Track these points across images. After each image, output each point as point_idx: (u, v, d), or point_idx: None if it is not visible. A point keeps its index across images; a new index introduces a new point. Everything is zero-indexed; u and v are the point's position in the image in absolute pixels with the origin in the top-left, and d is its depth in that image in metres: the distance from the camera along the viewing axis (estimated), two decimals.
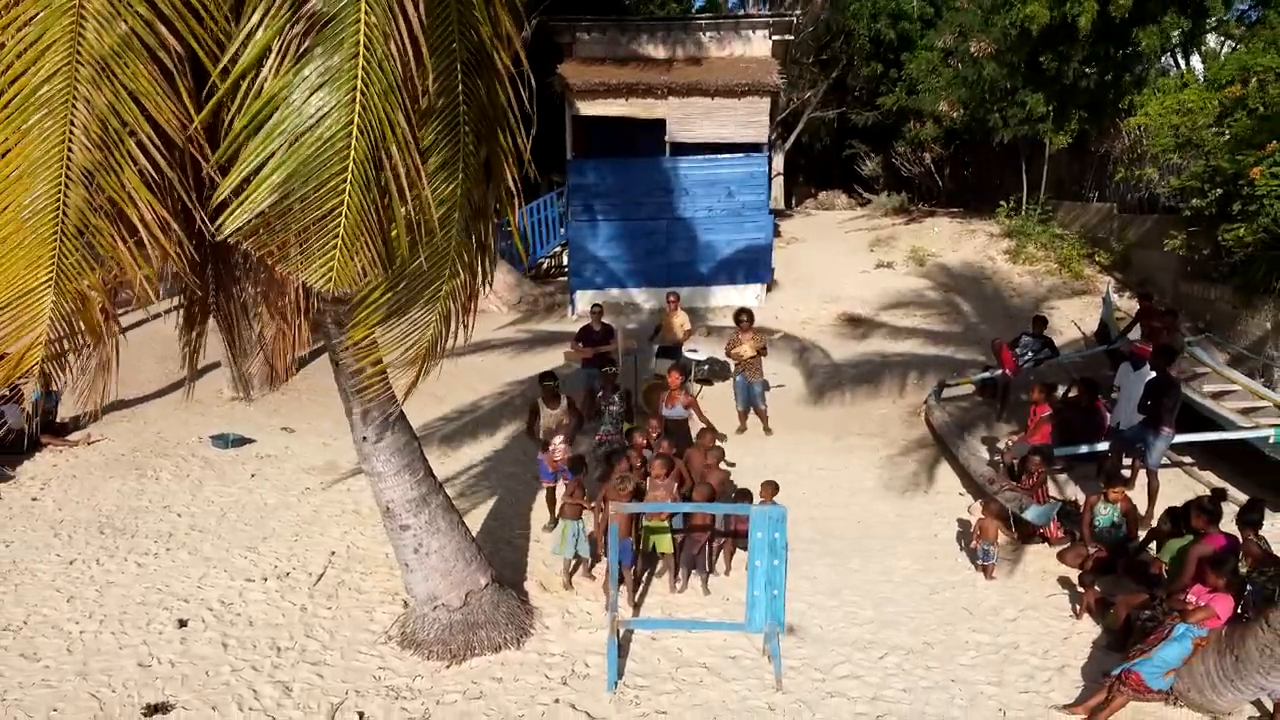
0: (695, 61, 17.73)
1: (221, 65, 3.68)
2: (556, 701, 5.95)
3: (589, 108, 16.72)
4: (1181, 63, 17.50)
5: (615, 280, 17.40)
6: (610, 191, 17.25)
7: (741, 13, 24.39)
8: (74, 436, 11.56)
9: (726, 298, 17.11)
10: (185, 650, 6.63)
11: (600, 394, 10.00)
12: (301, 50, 3.37)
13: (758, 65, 17.35)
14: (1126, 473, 9.52)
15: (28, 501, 9.59)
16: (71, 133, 3.87)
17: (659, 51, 18.05)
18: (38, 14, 3.81)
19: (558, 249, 19.49)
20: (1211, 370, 11.06)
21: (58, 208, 3.96)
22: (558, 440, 8.22)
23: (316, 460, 10.58)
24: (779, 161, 29.42)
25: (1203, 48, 17.19)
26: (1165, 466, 9.52)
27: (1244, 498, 7.68)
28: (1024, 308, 15.33)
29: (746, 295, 17.00)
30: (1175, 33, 15.75)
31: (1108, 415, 9.81)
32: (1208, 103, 13.56)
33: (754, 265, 17.29)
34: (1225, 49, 17.10)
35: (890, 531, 8.74)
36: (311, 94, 3.40)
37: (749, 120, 16.83)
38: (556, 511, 8.20)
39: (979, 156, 23.57)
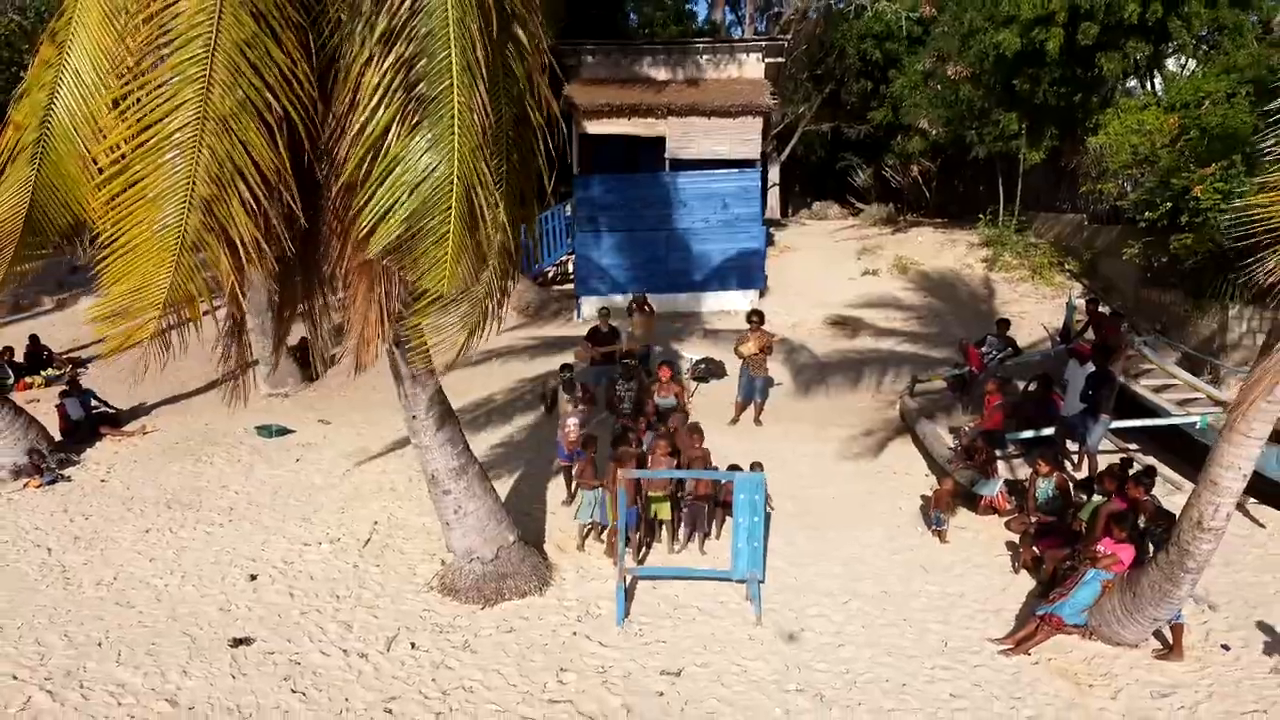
0: (693, 83, 19.01)
1: (326, 130, 4.92)
2: (574, 634, 7.16)
3: (594, 126, 17.98)
4: (1146, 84, 18.71)
5: (618, 287, 18.59)
6: (614, 204, 18.49)
7: (737, 37, 25.66)
8: (130, 427, 12.79)
9: (721, 303, 18.35)
10: (258, 598, 7.84)
11: (619, 385, 11.21)
12: (415, 123, 4.63)
13: (751, 87, 18.62)
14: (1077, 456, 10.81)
15: (97, 483, 10.82)
16: (196, 171, 5.12)
17: (659, 73, 19.33)
18: (172, 79, 5.07)
19: (564, 258, 20.70)
20: (1157, 366, 12.27)
21: (181, 226, 5.19)
22: (571, 422, 9.44)
23: (352, 447, 11.78)
24: (775, 173, 30.71)
25: (1163, 70, 18.41)
26: (1109, 452, 10.78)
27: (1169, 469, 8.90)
28: (997, 312, 16.53)
29: (740, 300, 18.22)
30: (1137, 56, 17.00)
31: (1062, 406, 11.05)
32: (1163, 123, 14.81)
33: (747, 272, 18.53)
34: (1186, 71, 18.31)
35: (862, 506, 9.94)
36: (423, 154, 4.65)
37: (743, 138, 18.09)
38: (573, 486, 9.37)
39: (962, 170, 24.84)
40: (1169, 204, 13.84)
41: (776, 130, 29.47)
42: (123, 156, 5.24)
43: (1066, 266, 18.14)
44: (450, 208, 4.73)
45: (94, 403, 12.73)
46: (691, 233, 18.58)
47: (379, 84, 4.65)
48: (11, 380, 14.81)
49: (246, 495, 10.26)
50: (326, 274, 6.20)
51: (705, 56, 19.39)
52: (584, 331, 14.07)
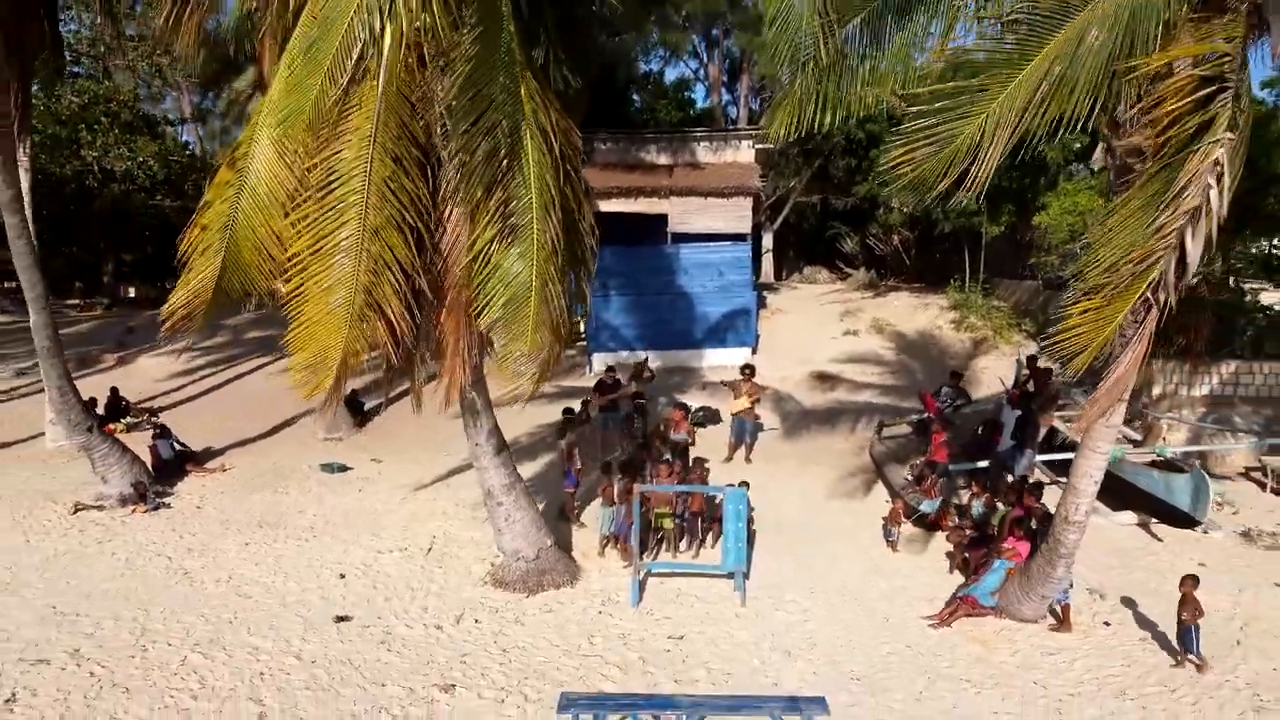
0: (692, 166, 21.70)
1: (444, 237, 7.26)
2: (600, 613, 9.22)
3: (606, 205, 20.42)
4: (1087, 167, 21.31)
5: (626, 344, 20.90)
6: (622, 272, 20.92)
7: (730, 125, 28.53)
8: (211, 464, 14.92)
9: (718, 359, 20.62)
10: (348, 590, 9.89)
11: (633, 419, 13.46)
12: (509, 240, 6.96)
13: (743, 170, 21.26)
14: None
15: (194, 508, 12.91)
16: (360, 267, 7.39)
17: (662, 158, 22.05)
18: (340, 205, 7.39)
19: (578, 318, 23.05)
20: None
21: (349, 306, 7.42)
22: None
23: (405, 480, 13.89)
24: (769, 239, 33.34)
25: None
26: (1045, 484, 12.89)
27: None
28: (960, 367, 18.76)
29: (735, 357, 20.47)
30: (1075, 146, 19.61)
31: (1001, 443, 13.21)
32: (1094, 203, 17.30)
33: (740, 331, 20.88)
34: None
35: (833, 526, 12.00)
36: (514, 262, 6.97)
37: (736, 216, 20.65)
38: (600, 500, 11.40)
39: (937, 240, 27.41)
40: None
41: (770, 201, 32.13)
42: (292, 257, 7.53)
43: (1024, 327, 20.45)
44: (531, 298, 7.04)
45: (177, 446, 14.89)
46: (691, 297, 20.98)
47: (485, 214, 6.99)
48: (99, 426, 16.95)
49: (322, 517, 12.35)
50: (431, 334, 8.41)
51: (702, 143, 22.12)
52: (593, 383, 16.36)
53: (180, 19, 8.71)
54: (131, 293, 34.43)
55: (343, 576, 10.25)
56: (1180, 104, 6.36)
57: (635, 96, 34.65)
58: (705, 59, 35.92)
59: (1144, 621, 9.21)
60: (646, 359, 16.84)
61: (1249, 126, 7.49)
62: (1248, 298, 19.65)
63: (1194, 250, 7.19)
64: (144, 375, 21.62)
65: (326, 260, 7.33)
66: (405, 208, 7.42)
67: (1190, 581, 8.13)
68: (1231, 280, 20.18)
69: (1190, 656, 8.09)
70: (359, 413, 17.30)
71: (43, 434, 16.62)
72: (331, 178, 7.35)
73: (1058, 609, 9.10)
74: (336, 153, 7.34)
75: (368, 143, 7.28)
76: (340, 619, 9.15)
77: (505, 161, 6.92)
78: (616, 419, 14.85)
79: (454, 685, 7.80)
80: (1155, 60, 6.31)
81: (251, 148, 7.89)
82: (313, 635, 8.81)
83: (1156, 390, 16.07)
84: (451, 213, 7.77)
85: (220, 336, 25.30)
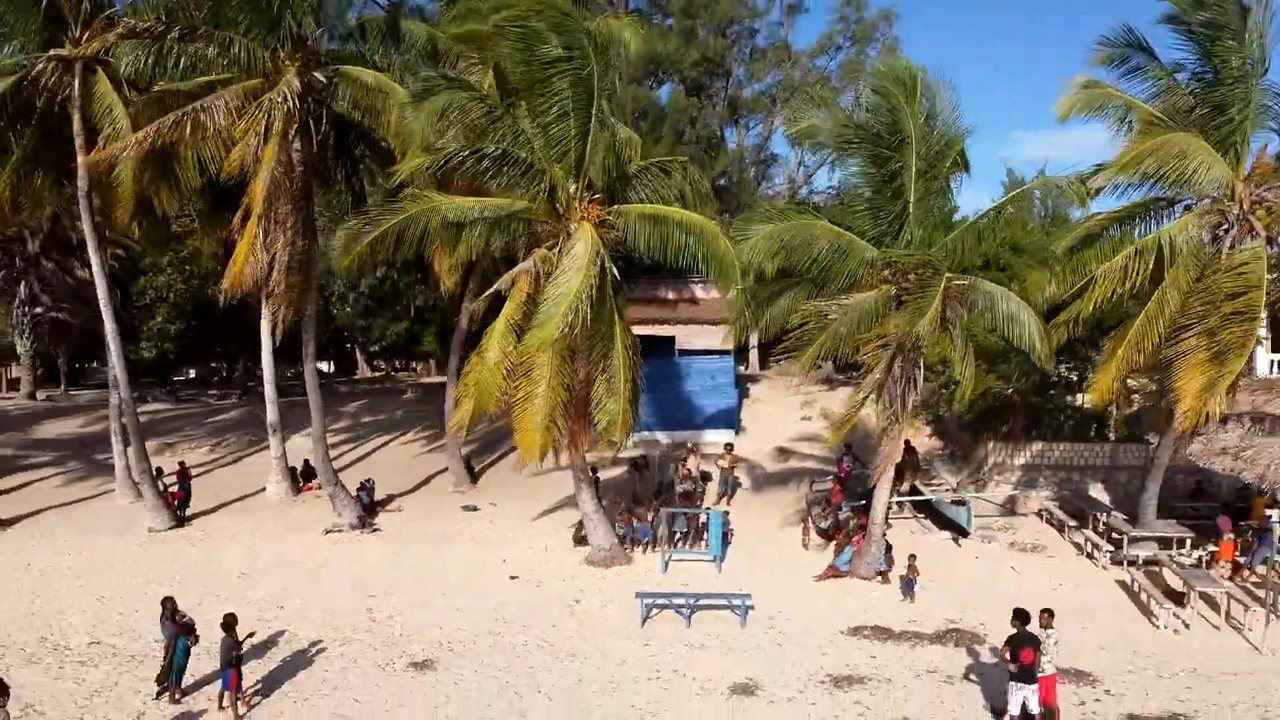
0: (691, 302, 30.90)
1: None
2: (645, 574, 17.88)
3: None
4: None
5: (646, 427, 29.53)
6: (644, 376, 29.86)
7: None
8: (390, 507, 23.62)
9: (710, 437, 29.39)
10: (509, 565, 18.53)
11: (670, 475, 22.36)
12: (612, 391, 15.92)
13: (730, 304, 30.43)
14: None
15: (394, 533, 21.55)
16: (545, 403, 16.34)
17: (670, 294, 31.27)
18: (537, 376, 16.40)
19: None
20: (937, 474, 23.26)
21: (541, 424, 16.33)
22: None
23: (517, 515, 22.57)
24: (754, 337, 42.48)
25: None
26: (906, 518, 21.60)
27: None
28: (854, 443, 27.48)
29: (722, 436, 29.25)
30: None
31: None
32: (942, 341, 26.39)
33: (726, 419, 29.73)
34: None
35: (775, 541, 20.65)
36: (612, 402, 15.92)
37: (723, 336, 29.69)
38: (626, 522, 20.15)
39: None
40: (955, 384, 25.20)
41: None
42: (509, 399, 16.47)
43: (923, 416, 29.29)
44: (620, 413, 15.96)
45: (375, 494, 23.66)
46: (691, 393, 29.88)
47: (600, 380, 16.02)
48: (301, 484, 25.71)
49: (474, 534, 21.03)
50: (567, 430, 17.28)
51: (699, 285, 31.38)
52: (622, 455, 25.18)
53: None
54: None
55: (504, 560, 18.93)
56: (874, 351, 15.46)
57: None
58: None
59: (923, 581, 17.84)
60: (671, 459, 25.77)
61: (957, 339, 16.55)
62: (1068, 397, 28.64)
63: (910, 398, 16.24)
64: (298, 451, 30.32)
65: (530, 400, 16.28)
66: (565, 375, 16.42)
67: (912, 558, 16.77)
68: (1068, 381, 29.08)
69: (908, 595, 16.71)
70: (472, 472, 26.10)
71: (259, 491, 25.43)
72: (532, 364, 16.35)
73: (880, 572, 17.72)
74: (532, 359, 16.33)
75: (552, 350, 16.27)
76: (513, 577, 17.81)
77: (612, 360, 15.94)
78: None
79: (579, 600, 16.48)
80: (864, 337, 15.41)
81: (487, 346, 16.85)
82: (503, 584, 17.48)
83: (991, 460, 24.87)
84: (580, 376, 16.78)
85: (344, 421, 34.23)
